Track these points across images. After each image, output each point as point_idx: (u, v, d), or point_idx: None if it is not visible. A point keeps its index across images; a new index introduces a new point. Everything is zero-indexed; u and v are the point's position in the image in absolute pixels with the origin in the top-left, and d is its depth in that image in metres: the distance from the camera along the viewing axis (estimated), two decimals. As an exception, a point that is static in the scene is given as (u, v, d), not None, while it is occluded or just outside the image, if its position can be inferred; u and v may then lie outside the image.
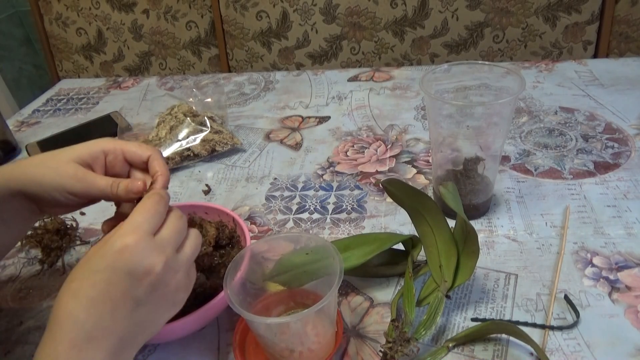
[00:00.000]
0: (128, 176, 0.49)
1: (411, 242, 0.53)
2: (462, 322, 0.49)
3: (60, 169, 0.44)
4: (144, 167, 0.47)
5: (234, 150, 0.81)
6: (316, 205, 0.67)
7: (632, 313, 0.47)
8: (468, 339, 0.46)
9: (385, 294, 0.52)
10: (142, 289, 0.37)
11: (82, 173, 0.44)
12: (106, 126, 0.91)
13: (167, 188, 0.46)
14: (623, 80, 0.89)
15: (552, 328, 0.47)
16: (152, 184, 0.45)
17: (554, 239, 0.57)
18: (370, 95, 0.94)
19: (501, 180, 0.67)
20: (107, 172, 0.48)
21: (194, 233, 0.42)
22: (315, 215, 0.65)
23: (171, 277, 0.38)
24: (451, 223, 0.49)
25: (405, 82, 0.97)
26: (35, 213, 0.49)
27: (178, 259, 0.39)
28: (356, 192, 0.68)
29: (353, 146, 0.79)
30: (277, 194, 0.70)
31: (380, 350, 0.43)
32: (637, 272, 0.52)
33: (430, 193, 0.66)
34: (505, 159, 0.71)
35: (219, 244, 0.54)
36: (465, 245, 0.48)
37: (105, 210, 0.71)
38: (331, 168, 0.74)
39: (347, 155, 0.76)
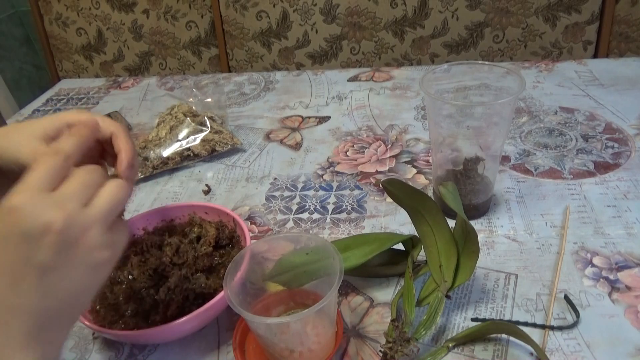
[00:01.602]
0: (102, 155, 0.46)
1: (411, 242, 0.53)
2: (462, 322, 0.49)
3: (22, 144, 0.42)
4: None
5: (234, 150, 0.81)
6: (316, 205, 0.66)
7: (632, 313, 0.47)
8: (468, 339, 0.46)
9: (385, 294, 0.52)
10: (44, 252, 0.31)
11: (41, 152, 0.41)
12: (106, 126, 0.91)
13: (133, 166, 0.42)
14: (623, 80, 0.89)
15: (552, 328, 0.47)
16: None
17: (554, 239, 0.57)
18: (370, 95, 0.94)
19: (501, 180, 0.67)
20: None
21: (113, 183, 0.36)
22: (315, 215, 0.65)
23: (80, 234, 0.32)
24: (451, 223, 0.49)
25: (405, 82, 0.97)
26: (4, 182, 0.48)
27: (86, 213, 0.33)
28: (356, 192, 0.68)
29: (353, 146, 0.79)
30: (277, 194, 0.70)
31: (380, 350, 0.43)
32: (637, 272, 0.52)
33: (430, 193, 0.66)
34: (505, 159, 0.71)
35: (219, 244, 0.54)
36: (465, 245, 0.48)
37: (105, 210, 0.71)
38: (331, 168, 0.74)
39: (347, 155, 0.76)
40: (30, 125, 0.43)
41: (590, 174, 0.67)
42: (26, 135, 0.43)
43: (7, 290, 0.31)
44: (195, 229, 0.54)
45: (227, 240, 0.54)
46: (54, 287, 0.32)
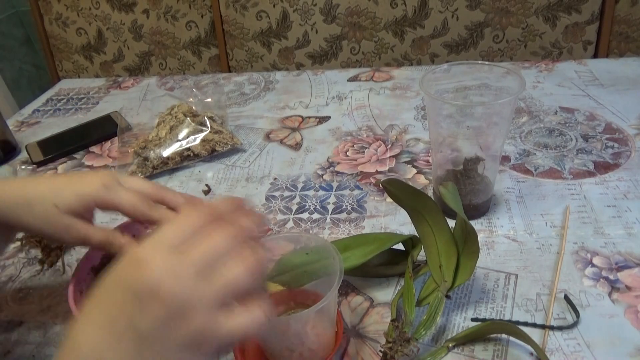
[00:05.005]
0: None
1: (411, 242, 0.53)
2: (462, 322, 0.49)
3: (51, 220, 0.43)
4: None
5: (234, 150, 0.81)
6: (316, 205, 0.66)
7: (632, 313, 0.47)
8: (468, 339, 0.46)
9: (385, 294, 0.52)
10: (146, 321, 0.28)
11: (76, 231, 0.43)
12: (106, 126, 0.91)
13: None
14: (623, 80, 0.89)
15: (552, 328, 0.47)
16: None
17: (554, 239, 0.57)
18: (370, 95, 0.94)
19: (501, 180, 0.67)
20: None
21: (247, 254, 0.31)
22: (315, 215, 0.65)
23: (186, 310, 0.29)
24: (451, 223, 0.49)
25: (405, 82, 0.97)
26: (14, 235, 0.49)
27: (201, 288, 0.29)
28: (356, 192, 0.68)
29: (353, 146, 0.79)
30: (277, 194, 0.70)
31: (380, 350, 0.43)
32: (637, 272, 0.52)
33: (430, 193, 0.66)
34: (505, 159, 0.71)
35: None
36: (465, 245, 0.48)
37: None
38: (331, 168, 0.74)
39: (347, 155, 0.76)
40: (53, 198, 0.43)
41: (590, 174, 0.67)
42: (54, 212, 0.43)
43: (105, 344, 0.29)
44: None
45: None
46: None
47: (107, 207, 0.45)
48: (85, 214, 0.45)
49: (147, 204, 0.45)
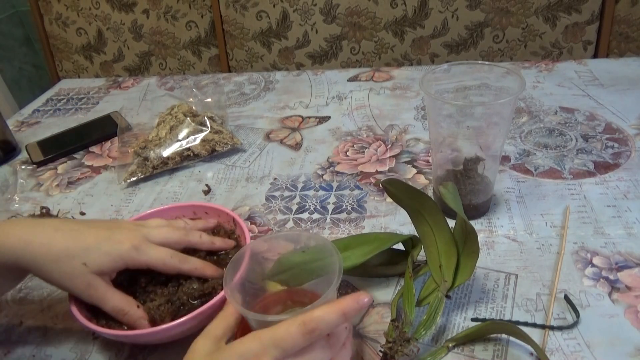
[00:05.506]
0: None
1: (411, 242, 0.53)
2: (462, 322, 0.49)
3: (76, 276, 0.44)
4: None
5: (234, 150, 0.81)
6: (316, 205, 0.66)
7: (632, 313, 0.47)
8: (468, 339, 0.46)
9: (385, 294, 0.52)
10: None
11: (95, 290, 0.44)
12: (106, 126, 0.91)
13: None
14: (623, 80, 0.89)
15: (552, 328, 0.47)
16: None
17: (554, 239, 0.57)
18: (370, 95, 0.94)
19: (501, 180, 0.67)
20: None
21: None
22: (315, 215, 0.65)
23: None
24: (451, 223, 0.49)
25: (405, 82, 0.97)
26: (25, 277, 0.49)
27: None
28: (356, 192, 0.68)
29: (353, 146, 0.79)
30: (277, 194, 0.70)
31: (380, 350, 0.43)
32: (637, 272, 0.52)
33: (430, 193, 0.66)
34: (505, 159, 0.71)
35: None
36: (465, 245, 0.48)
37: (105, 210, 0.71)
38: (331, 168, 0.74)
39: (347, 155, 0.76)
40: (83, 256, 0.44)
41: (590, 174, 0.67)
42: (80, 271, 0.44)
43: None
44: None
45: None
46: None
47: (137, 266, 0.47)
48: (111, 273, 0.46)
49: (176, 258, 0.48)
